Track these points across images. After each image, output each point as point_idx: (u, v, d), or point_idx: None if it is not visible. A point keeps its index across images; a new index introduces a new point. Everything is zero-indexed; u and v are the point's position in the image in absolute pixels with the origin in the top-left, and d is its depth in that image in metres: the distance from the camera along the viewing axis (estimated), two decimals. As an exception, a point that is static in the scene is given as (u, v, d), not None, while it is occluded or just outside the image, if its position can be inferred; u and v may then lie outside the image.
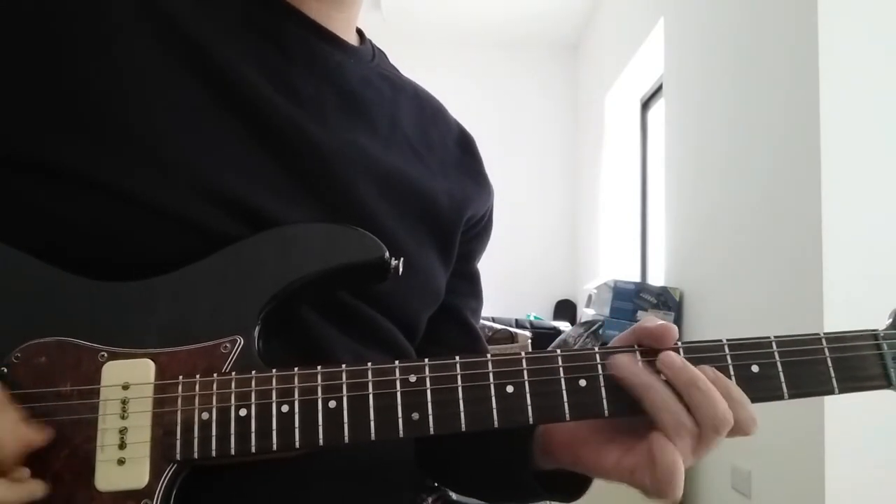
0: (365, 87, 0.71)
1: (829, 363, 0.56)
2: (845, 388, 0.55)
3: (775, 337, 0.56)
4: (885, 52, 1.68)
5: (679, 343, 0.55)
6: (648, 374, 0.54)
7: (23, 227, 0.56)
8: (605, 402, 0.54)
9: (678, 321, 2.69)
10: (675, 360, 0.54)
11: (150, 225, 0.56)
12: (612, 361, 0.54)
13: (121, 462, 0.50)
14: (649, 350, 0.55)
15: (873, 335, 0.57)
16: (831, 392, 0.55)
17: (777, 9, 1.97)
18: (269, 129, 0.61)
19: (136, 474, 0.50)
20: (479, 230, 0.80)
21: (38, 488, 0.48)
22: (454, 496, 0.80)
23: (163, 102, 0.58)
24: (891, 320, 0.58)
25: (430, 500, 0.77)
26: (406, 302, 0.68)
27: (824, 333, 0.56)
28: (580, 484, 0.64)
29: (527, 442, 0.64)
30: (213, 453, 0.51)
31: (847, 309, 1.61)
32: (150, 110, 0.58)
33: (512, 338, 3.09)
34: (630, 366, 0.54)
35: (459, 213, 0.74)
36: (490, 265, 0.86)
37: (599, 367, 0.55)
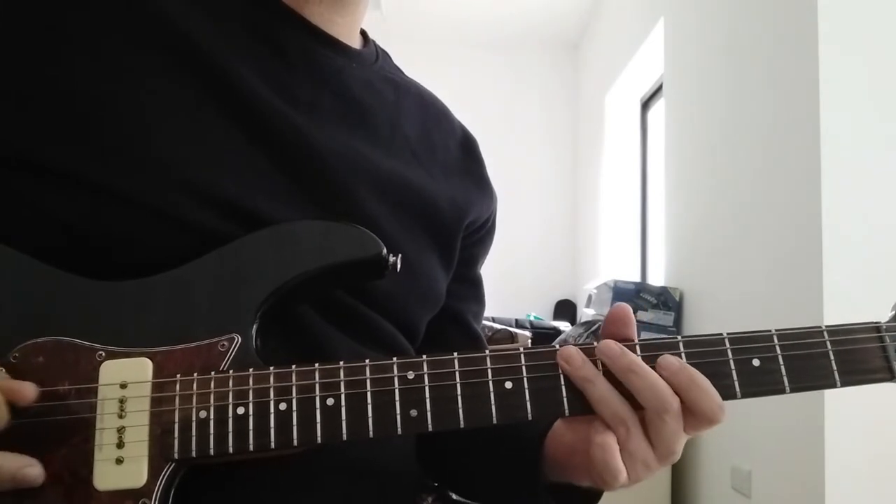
0: (366, 91, 0.70)
1: (832, 356, 0.55)
2: (847, 382, 0.55)
3: (776, 330, 0.55)
4: (884, 52, 1.67)
5: (680, 337, 0.55)
6: (588, 368, 0.54)
7: (21, 227, 0.56)
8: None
9: (678, 321, 2.69)
10: (611, 347, 0.54)
11: (148, 226, 0.56)
12: (559, 354, 0.54)
13: (119, 461, 0.50)
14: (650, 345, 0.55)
15: (876, 328, 0.57)
16: (833, 385, 0.55)
17: (777, 9, 1.97)
18: (267, 132, 0.61)
19: (135, 473, 0.50)
20: (481, 235, 0.80)
21: (28, 464, 0.48)
22: (454, 496, 0.80)
23: (160, 104, 0.58)
24: (893, 312, 0.57)
25: (429, 499, 0.77)
26: (406, 304, 0.68)
27: (826, 326, 0.56)
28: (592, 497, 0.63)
29: (538, 452, 0.63)
30: (211, 452, 0.51)
31: (847, 309, 1.61)
32: (147, 112, 0.58)
33: (512, 338, 3.08)
34: (572, 360, 0.54)
35: (460, 218, 0.74)
36: (490, 265, 0.86)
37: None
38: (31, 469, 0.48)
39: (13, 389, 0.49)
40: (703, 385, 0.53)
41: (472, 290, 0.81)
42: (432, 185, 0.72)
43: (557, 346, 0.55)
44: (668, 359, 0.54)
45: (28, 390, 0.49)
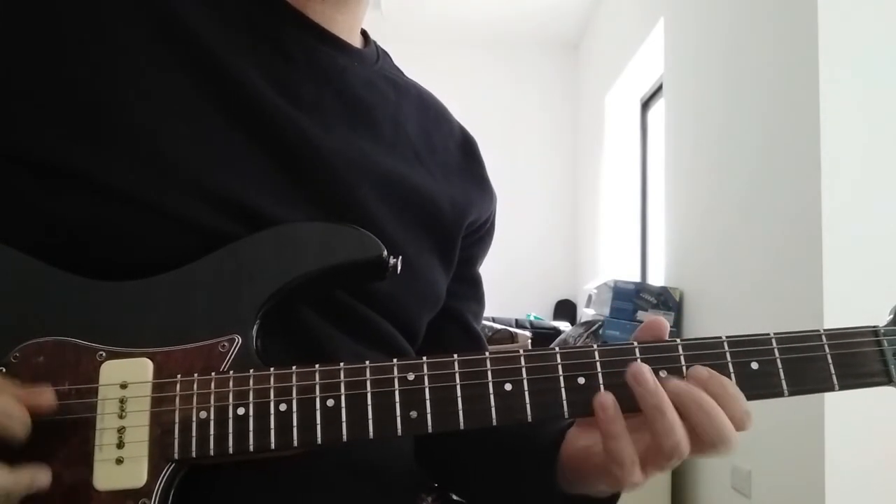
0: (368, 90, 0.70)
1: (830, 360, 0.55)
2: (846, 385, 0.55)
3: (775, 334, 0.55)
4: (884, 51, 1.68)
5: (679, 340, 0.55)
6: (661, 397, 0.52)
7: (22, 226, 0.56)
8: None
9: (678, 321, 2.69)
10: (678, 384, 0.53)
11: (150, 225, 0.56)
12: (631, 370, 0.53)
13: (119, 461, 0.50)
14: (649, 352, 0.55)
15: (874, 331, 0.57)
16: (831, 389, 0.55)
17: (777, 8, 1.97)
18: (269, 131, 0.61)
19: (135, 473, 0.50)
20: (481, 235, 0.80)
21: (40, 473, 0.48)
22: (455, 496, 0.80)
23: (164, 103, 0.58)
24: (891, 316, 0.58)
25: (429, 500, 0.77)
26: (406, 304, 0.68)
27: (824, 330, 0.56)
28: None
29: (553, 460, 0.62)
30: (211, 452, 0.51)
31: (847, 309, 1.61)
32: (151, 111, 0.58)
33: (512, 338, 3.09)
34: (644, 382, 0.53)
35: (461, 218, 0.74)
36: (490, 265, 0.86)
37: (598, 364, 0.54)
38: (43, 477, 0.48)
39: (32, 396, 0.49)
40: (735, 394, 0.53)
41: (471, 289, 0.81)
42: (434, 184, 0.72)
43: (557, 349, 0.55)
44: (697, 369, 0.54)
45: (48, 396, 0.50)
